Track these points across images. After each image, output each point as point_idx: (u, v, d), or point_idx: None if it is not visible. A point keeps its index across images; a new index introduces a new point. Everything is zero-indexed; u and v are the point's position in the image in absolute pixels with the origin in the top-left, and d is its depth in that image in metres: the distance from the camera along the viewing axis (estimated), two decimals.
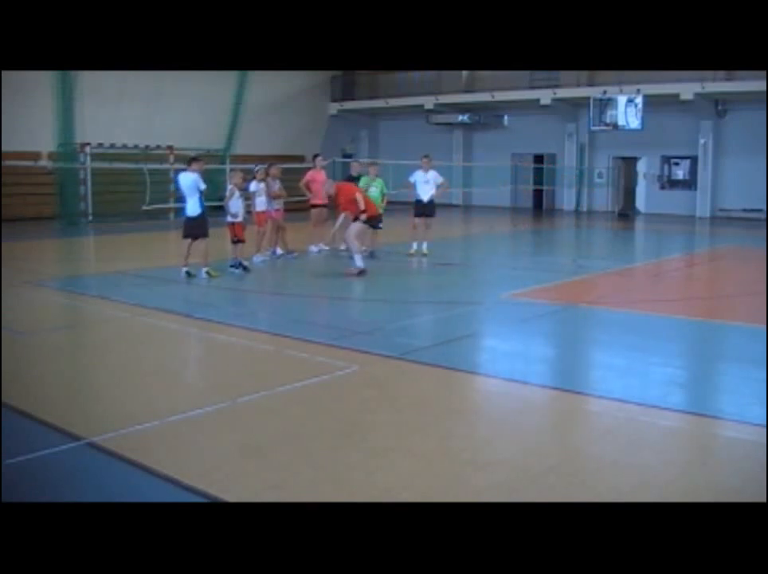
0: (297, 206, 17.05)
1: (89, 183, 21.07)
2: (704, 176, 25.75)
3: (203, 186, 11.00)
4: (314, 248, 14.24)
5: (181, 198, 12.37)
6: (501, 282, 11.33)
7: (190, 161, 11.49)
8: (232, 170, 15.89)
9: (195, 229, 11.01)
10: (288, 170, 14.57)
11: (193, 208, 11.00)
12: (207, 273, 10.93)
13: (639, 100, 24.38)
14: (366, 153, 30.76)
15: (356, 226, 11.49)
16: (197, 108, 24.47)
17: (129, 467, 4.18)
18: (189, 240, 11.01)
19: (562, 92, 26.49)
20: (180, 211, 19.81)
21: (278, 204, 13.39)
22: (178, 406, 5.19)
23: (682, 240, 19.44)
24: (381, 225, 13.12)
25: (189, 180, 10.97)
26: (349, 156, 27.96)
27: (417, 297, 10.27)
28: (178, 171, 12.13)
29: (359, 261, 11.20)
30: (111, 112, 21.98)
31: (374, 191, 13.41)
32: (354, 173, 14.58)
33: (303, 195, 14.83)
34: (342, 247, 14.14)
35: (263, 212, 12.77)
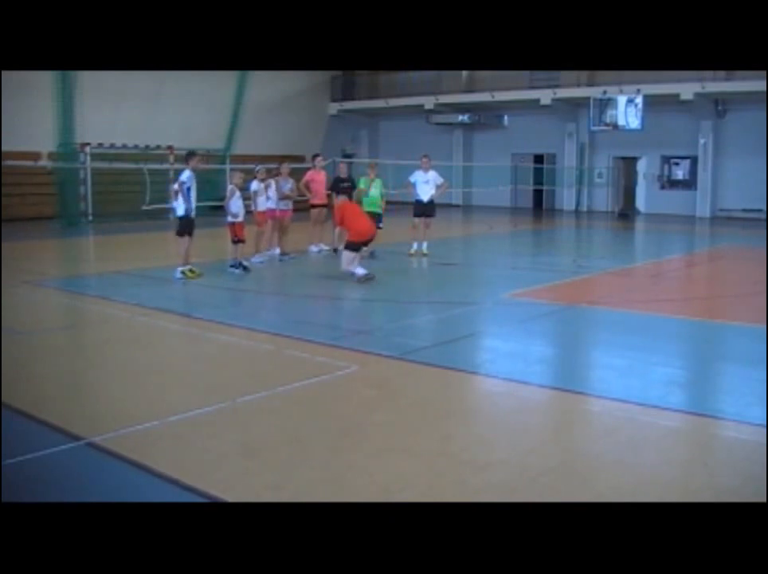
0: (296, 206, 17.01)
1: (89, 183, 21.05)
2: (704, 176, 25.76)
3: (188, 185, 10.72)
4: (314, 248, 14.24)
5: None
6: (501, 282, 11.33)
7: (186, 158, 11.20)
8: (232, 170, 15.86)
9: (179, 227, 11.00)
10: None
11: (179, 207, 10.91)
12: (182, 272, 10.80)
13: (639, 100, 24.39)
14: (366, 153, 30.78)
15: (346, 255, 11.00)
16: (197, 108, 24.48)
17: (129, 467, 4.18)
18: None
19: (562, 92, 26.50)
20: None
21: (285, 204, 13.41)
22: (178, 407, 5.19)
23: (682, 240, 19.44)
24: (381, 224, 13.14)
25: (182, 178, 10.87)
26: (349, 156, 27.96)
27: (417, 297, 10.27)
28: (180, 171, 11.87)
29: (360, 270, 10.75)
30: (111, 112, 21.99)
31: (375, 192, 13.40)
32: (342, 175, 14.47)
33: (303, 195, 14.82)
34: (342, 247, 14.16)
35: (263, 212, 12.78)
